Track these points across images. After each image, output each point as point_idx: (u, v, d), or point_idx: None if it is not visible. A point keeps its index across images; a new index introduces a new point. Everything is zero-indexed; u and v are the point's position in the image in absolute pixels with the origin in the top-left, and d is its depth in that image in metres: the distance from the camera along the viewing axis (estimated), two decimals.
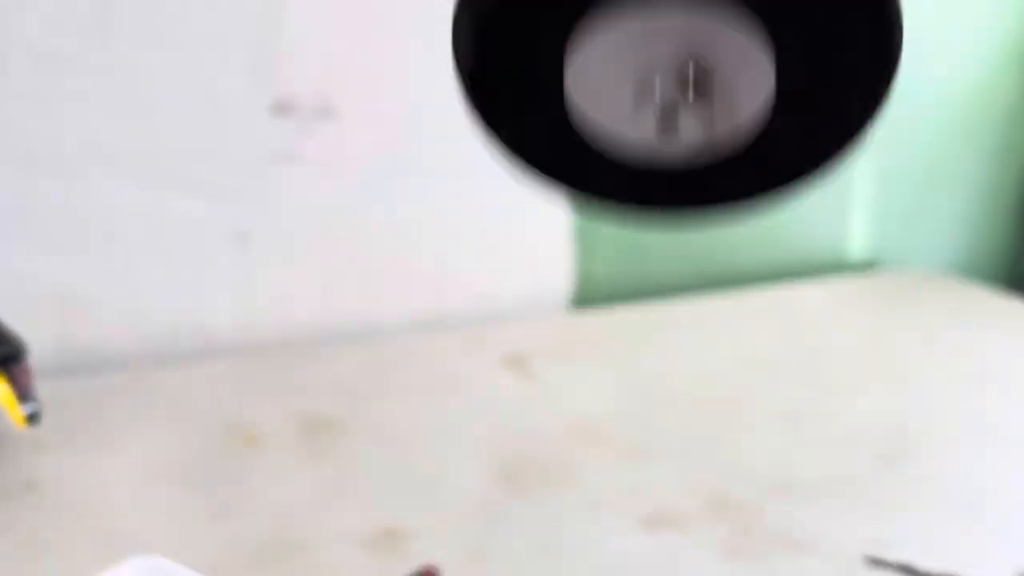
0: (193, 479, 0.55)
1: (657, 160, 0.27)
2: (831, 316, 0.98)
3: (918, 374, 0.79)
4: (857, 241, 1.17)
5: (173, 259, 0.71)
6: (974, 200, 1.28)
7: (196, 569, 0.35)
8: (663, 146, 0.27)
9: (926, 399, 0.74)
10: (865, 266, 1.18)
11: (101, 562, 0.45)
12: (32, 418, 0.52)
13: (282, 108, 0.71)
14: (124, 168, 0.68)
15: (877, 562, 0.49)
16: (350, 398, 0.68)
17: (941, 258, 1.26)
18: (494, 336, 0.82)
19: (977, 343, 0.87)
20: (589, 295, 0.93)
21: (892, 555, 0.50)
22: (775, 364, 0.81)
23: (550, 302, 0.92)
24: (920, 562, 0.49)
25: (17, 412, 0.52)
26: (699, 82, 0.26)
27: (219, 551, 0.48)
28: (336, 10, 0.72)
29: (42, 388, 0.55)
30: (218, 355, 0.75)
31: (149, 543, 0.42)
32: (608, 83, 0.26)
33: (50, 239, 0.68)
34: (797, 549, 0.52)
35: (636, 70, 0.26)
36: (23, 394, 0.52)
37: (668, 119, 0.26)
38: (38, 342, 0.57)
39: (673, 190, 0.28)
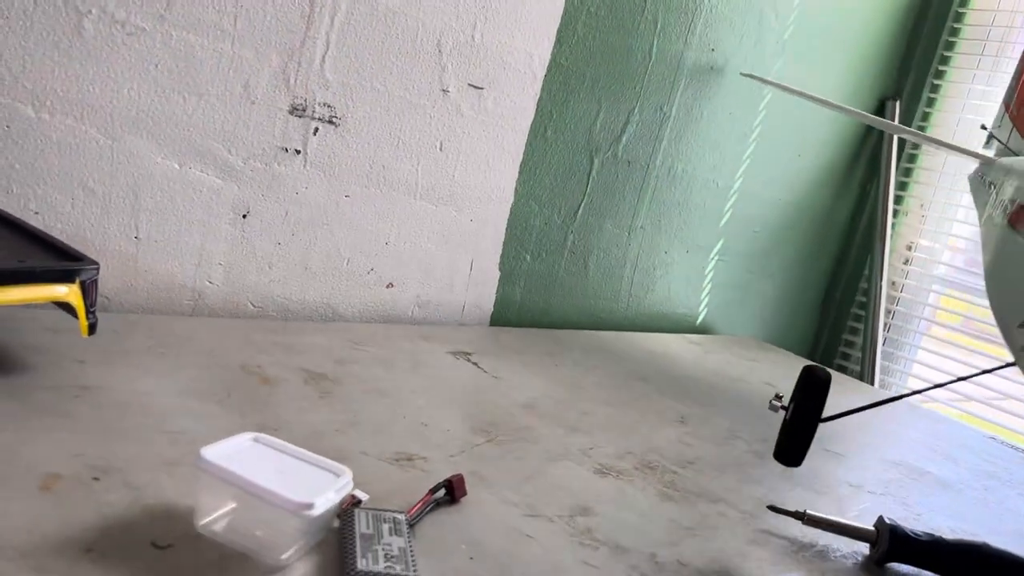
0: (226, 402, 0.63)
1: None
2: (687, 354, 1.18)
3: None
4: (702, 310, 1.40)
5: (182, 223, 0.78)
6: (790, 289, 1.57)
7: None
8: None
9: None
10: (707, 329, 1.40)
11: (162, 447, 0.53)
12: (93, 328, 0.59)
13: (297, 110, 0.82)
14: (160, 136, 0.75)
15: (775, 509, 0.65)
16: (337, 362, 0.77)
17: (762, 330, 1.53)
18: (438, 335, 0.95)
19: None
20: (504, 316, 1.08)
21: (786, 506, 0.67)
22: (655, 379, 0.99)
23: (477, 318, 1.05)
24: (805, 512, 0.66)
25: (84, 320, 0.58)
26: None
27: None
28: (360, 35, 0.84)
29: None
30: (206, 315, 0.82)
31: (202, 440, 0.49)
32: None
33: (86, 184, 0.72)
34: (713, 500, 0.68)
35: None
36: (90, 305, 0.58)
37: None
38: None
39: None
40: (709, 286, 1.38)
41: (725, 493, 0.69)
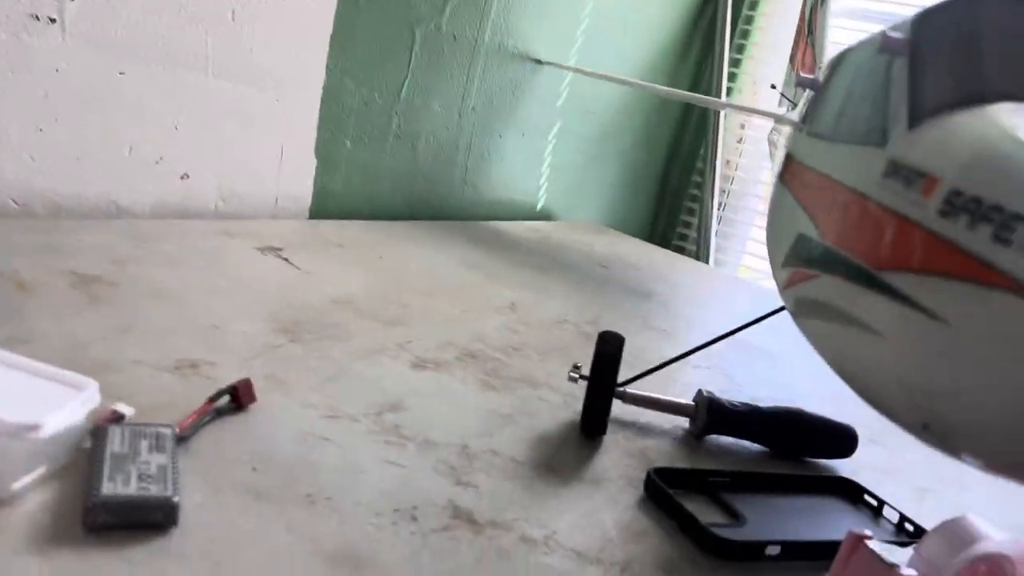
0: None
1: None
2: (523, 241, 1.15)
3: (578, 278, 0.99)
4: (542, 196, 1.36)
5: None
6: (629, 171, 1.55)
7: None
8: None
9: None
10: (547, 216, 1.37)
11: None
12: None
13: None
14: None
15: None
16: (115, 263, 0.68)
17: (603, 214, 1.51)
18: (245, 229, 0.86)
19: (630, 255, 1.11)
20: (325, 208, 1.00)
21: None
22: (486, 267, 0.95)
23: (293, 211, 0.97)
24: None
25: None
26: None
27: None
28: None
29: None
30: None
31: None
32: None
33: None
34: (535, 385, 0.65)
35: None
36: None
37: None
38: None
39: None
40: (548, 171, 1.34)
41: (548, 378, 0.67)
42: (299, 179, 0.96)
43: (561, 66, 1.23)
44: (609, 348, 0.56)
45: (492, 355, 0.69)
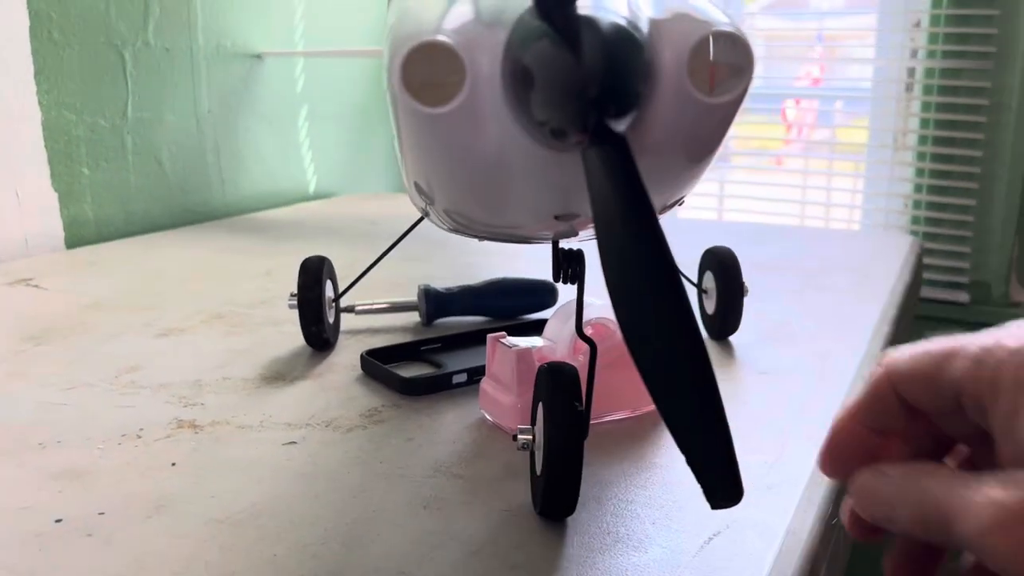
0: None
1: None
2: (292, 219, 1.22)
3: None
4: (312, 179, 1.43)
5: None
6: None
7: None
8: None
9: None
10: (324, 195, 1.44)
11: None
12: None
13: None
14: None
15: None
16: None
17: (390, 182, 1.59)
18: None
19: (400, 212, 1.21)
20: (81, 237, 1.03)
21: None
22: (248, 249, 1.02)
23: (47, 247, 1.00)
24: None
25: None
26: None
27: None
28: None
29: None
30: None
31: None
32: None
33: None
34: (277, 324, 0.72)
35: None
36: None
37: None
38: None
39: None
40: (310, 154, 1.41)
41: (292, 316, 0.74)
42: (44, 215, 0.99)
43: (283, 53, 1.30)
44: (310, 265, 0.65)
45: (239, 311, 0.76)
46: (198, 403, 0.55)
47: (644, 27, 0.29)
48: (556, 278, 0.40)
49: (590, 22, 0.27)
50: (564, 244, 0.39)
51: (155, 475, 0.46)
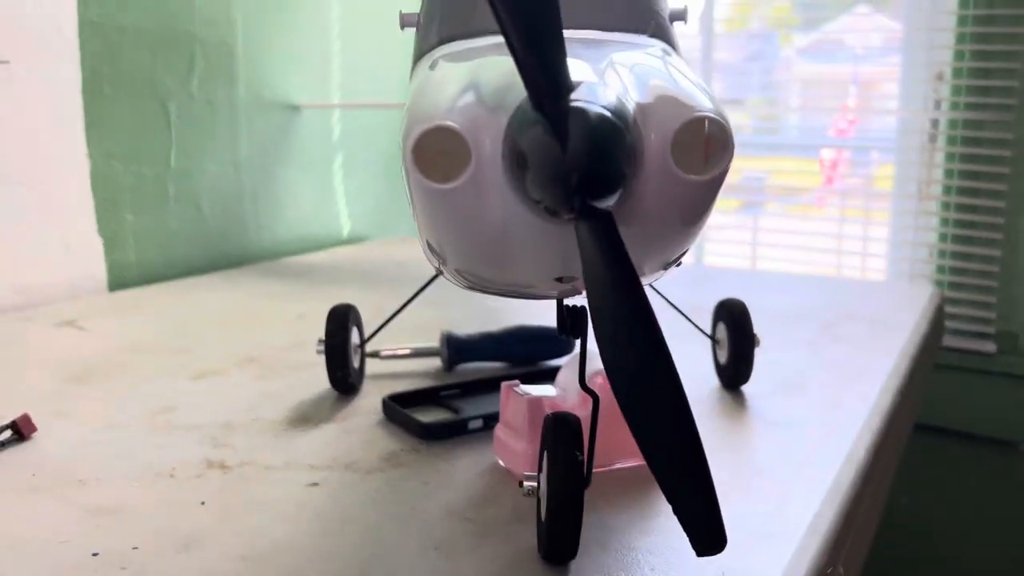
0: None
1: None
2: (323, 264, 1.26)
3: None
4: (346, 223, 1.47)
5: None
6: None
7: None
8: None
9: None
10: (357, 239, 1.49)
11: None
12: None
13: None
14: None
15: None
16: None
17: (412, 227, 1.63)
18: (42, 313, 0.94)
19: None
20: (123, 280, 1.08)
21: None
22: (283, 293, 1.05)
23: (92, 290, 1.05)
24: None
25: None
26: None
27: None
28: None
29: None
30: None
31: None
32: None
33: None
34: (307, 368, 0.76)
35: None
36: None
37: None
38: None
39: None
40: (344, 199, 1.46)
41: (321, 360, 0.77)
42: (89, 260, 1.04)
43: (319, 105, 1.35)
44: (337, 313, 0.68)
45: (271, 355, 0.80)
46: (228, 444, 0.59)
47: (631, 112, 0.31)
48: (561, 332, 0.43)
49: (578, 112, 0.30)
50: (568, 301, 0.42)
51: (185, 513, 0.49)
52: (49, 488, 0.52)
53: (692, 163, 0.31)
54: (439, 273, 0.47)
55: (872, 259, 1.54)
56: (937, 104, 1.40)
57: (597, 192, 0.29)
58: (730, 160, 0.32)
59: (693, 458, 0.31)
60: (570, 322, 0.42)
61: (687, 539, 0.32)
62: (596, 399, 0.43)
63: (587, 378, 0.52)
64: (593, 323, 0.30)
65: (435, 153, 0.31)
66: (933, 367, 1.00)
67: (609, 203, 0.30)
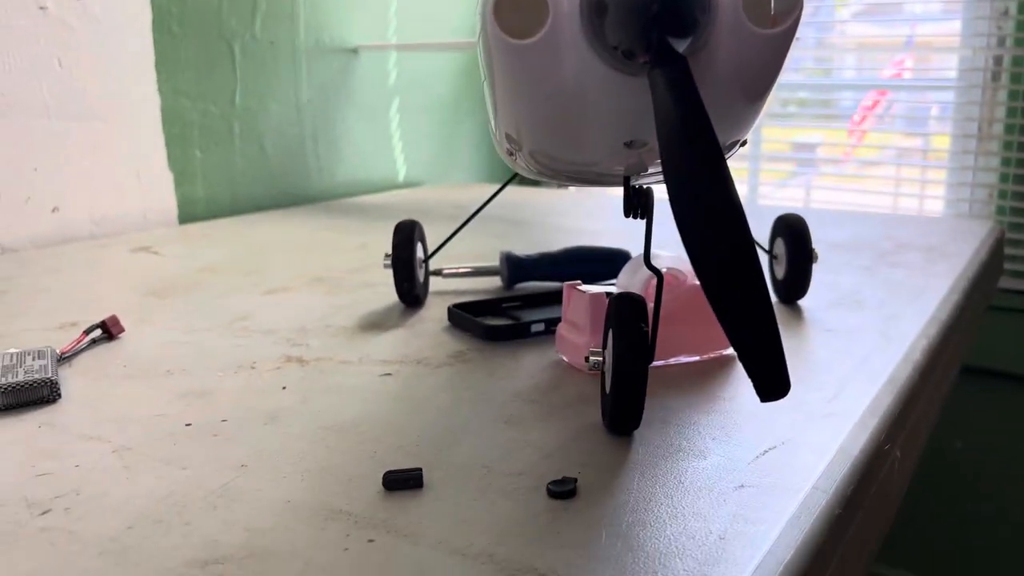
0: None
1: None
2: (384, 203, 1.29)
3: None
4: (402, 168, 1.50)
5: None
6: (484, 130, 1.69)
7: None
8: None
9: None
10: (413, 184, 1.51)
11: None
12: None
13: None
14: None
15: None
16: (2, 280, 0.80)
17: (475, 173, 1.65)
18: (118, 241, 0.98)
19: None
20: (192, 214, 1.12)
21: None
22: (347, 226, 1.09)
23: (162, 222, 1.09)
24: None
25: None
26: None
27: None
28: None
29: None
30: None
31: None
32: None
33: None
34: (372, 286, 0.78)
35: None
36: None
37: None
38: None
39: None
40: (401, 144, 1.48)
41: (387, 279, 0.80)
42: (161, 193, 1.08)
43: (377, 47, 1.37)
44: (403, 226, 0.70)
45: (337, 276, 0.83)
46: (304, 343, 0.62)
47: None
48: (627, 214, 0.44)
49: None
50: (634, 183, 0.44)
51: (269, 395, 0.52)
52: (140, 376, 0.55)
53: (762, 16, 0.33)
54: (512, 177, 0.48)
55: (929, 201, 1.52)
56: (1001, 41, 1.37)
57: (674, 26, 0.31)
58: (800, 13, 0.33)
59: (760, 307, 0.32)
60: (636, 201, 0.43)
61: (751, 386, 0.33)
62: (660, 276, 0.44)
63: (645, 277, 0.54)
64: (664, 171, 0.31)
65: (515, 9, 0.32)
66: (989, 308, 0.99)
67: (684, 44, 0.31)
